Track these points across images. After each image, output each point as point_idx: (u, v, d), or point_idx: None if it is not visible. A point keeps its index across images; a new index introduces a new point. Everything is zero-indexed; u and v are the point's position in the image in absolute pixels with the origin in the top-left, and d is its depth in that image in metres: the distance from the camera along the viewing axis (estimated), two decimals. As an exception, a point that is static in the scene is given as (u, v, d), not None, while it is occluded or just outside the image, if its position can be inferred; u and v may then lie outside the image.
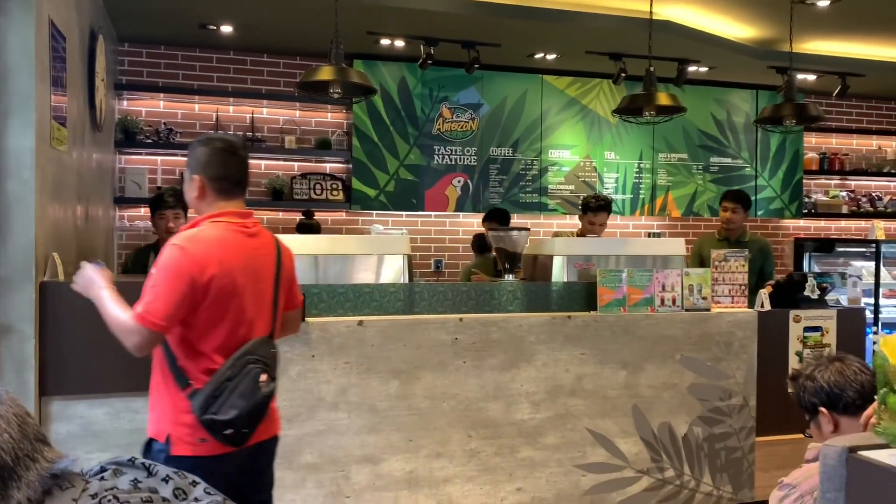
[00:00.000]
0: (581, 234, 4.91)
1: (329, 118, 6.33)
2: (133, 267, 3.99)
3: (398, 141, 6.21)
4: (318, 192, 6.10)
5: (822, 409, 1.92)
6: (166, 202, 3.89)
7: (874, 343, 1.44)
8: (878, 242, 4.59)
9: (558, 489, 3.47)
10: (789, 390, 2.04)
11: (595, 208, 4.71)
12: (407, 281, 3.61)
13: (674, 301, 3.73)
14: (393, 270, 3.64)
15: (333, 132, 6.28)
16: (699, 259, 4.74)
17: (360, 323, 3.25)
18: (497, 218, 5.32)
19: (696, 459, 3.67)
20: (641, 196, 6.95)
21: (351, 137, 6.14)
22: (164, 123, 5.84)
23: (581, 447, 3.52)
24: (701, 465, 3.68)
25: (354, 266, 3.64)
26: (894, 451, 1.38)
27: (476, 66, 5.65)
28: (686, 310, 3.72)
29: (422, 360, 3.31)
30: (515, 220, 6.55)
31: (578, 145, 6.73)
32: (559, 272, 3.84)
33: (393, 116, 6.20)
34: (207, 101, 5.97)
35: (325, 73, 3.52)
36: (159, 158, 5.94)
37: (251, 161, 6.65)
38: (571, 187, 6.72)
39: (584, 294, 3.73)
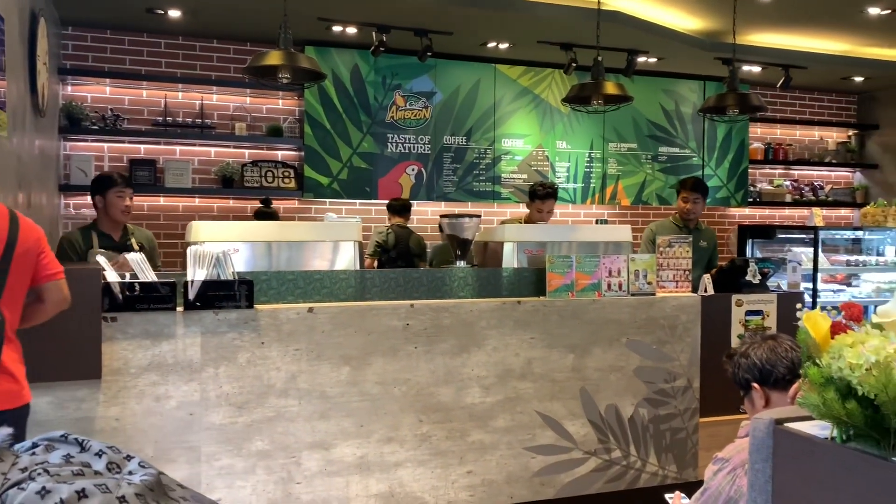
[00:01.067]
0: (529, 221, 4.97)
1: (280, 105, 6.27)
2: (70, 251, 3.88)
3: (351, 128, 6.18)
4: (270, 179, 6.04)
5: (755, 384, 2.00)
6: (125, 179, 3.91)
7: (799, 319, 1.50)
8: (816, 229, 4.74)
9: (508, 471, 3.53)
10: (725, 368, 2.12)
11: (542, 196, 4.80)
12: (358, 268, 3.61)
13: (620, 286, 3.81)
14: (344, 257, 3.64)
15: (285, 119, 6.23)
16: (654, 244, 4.83)
17: (311, 310, 3.24)
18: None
19: (641, 440, 3.77)
20: (592, 185, 7.05)
21: (303, 124, 6.09)
22: (111, 110, 5.72)
23: (530, 430, 3.58)
24: (647, 446, 3.78)
25: (305, 253, 3.63)
26: (818, 421, 1.45)
27: (429, 54, 5.66)
28: (632, 294, 3.81)
29: (373, 346, 3.33)
30: (469, 208, 6.61)
31: (531, 134, 6.79)
32: (510, 258, 3.89)
33: (346, 104, 6.17)
34: (155, 87, 5.86)
35: (273, 57, 3.49)
36: (106, 145, 5.81)
37: (201, 148, 6.57)
38: (524, 176, 6.79)
39: (533, 280, 3.79)
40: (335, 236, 3.62)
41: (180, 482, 0.91)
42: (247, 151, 6.15)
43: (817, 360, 1.34)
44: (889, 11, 5.57)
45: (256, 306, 3.17)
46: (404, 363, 3.37)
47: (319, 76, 3.73)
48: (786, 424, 1.50)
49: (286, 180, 6.10)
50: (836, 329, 1.35)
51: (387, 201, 5.98)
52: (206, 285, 3.04)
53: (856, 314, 1.38)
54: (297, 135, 6.13)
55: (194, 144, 5.98)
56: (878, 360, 1.23)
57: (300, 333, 3.22)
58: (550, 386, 3.63)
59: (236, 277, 3.11)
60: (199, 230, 3.45)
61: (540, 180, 6.61)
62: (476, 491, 3.48)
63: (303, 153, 6.10)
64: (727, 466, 1.88)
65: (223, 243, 3.30)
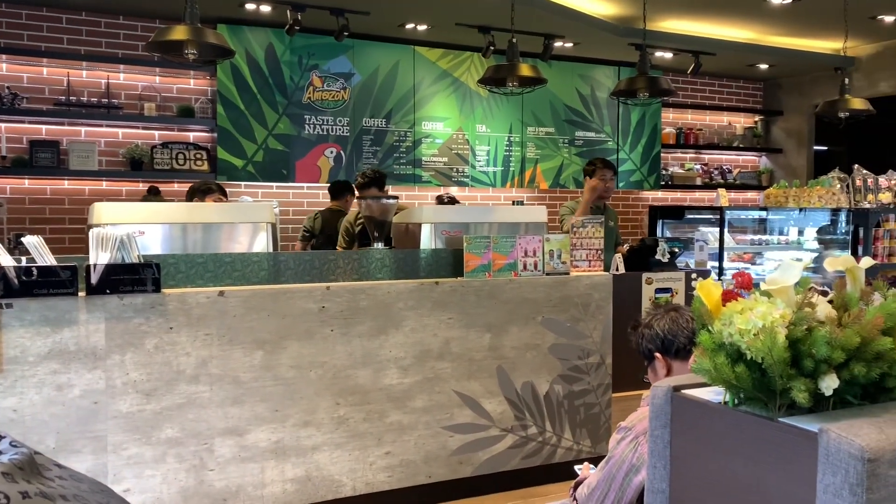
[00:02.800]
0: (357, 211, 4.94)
1: (192, 85, 6.07)
2: None
3: (266, 109, 6.04)
4: (181, 161, 5.85)
5: (657, 354, 2.07)
6: None
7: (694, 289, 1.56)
8: (722, 209, 4.93)
9: (426, 451, 3.55)
10: (630, 339, 2.18)
11: (361, 186, 4.82)
12: (272, 250, 3.54)
13: (535, 266, 3.86)
14: (257, 240, 3.56)
15: (197, 99, 6.03)
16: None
17: (222, 293, 3.16)
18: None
19: (557, 416, 3.85)
20: (512, 168, 7.13)
21: (215, 105, 5.92)
22: (8, 88, 5.41)
23: (448, 409, 3.60)
24: (562, 422, 3.86)
25: (216, 235, 3.53)
26: (714, 388, 1.50)
27: (346, 33, 5.58)
28: (547, 274, 3.87)
29: (287, 330, 3.27)
30: (390, 191, 6.57)
31: (451, 118, 6.80)
32: (427, 239, 3.88)
33: (260, 84, 6.02)
34: (57, 64, 5.58)
35: (179, 32, 3.36)
36: (3, 125, 5.50)
37: (108, 129, 6.34)
38: (445, 159, 6.80)
39: (451, 260, 3.80)
40: (248, 218, 3.53)
41: (64, 465, 0.86)
42: (157, 133, 5.94)
43: (709, 327, 1.38)
44: (790, 1, 5.81)
45: (164, 290, 3.07)
46: (320, 346, 3.33)
47: (228, 53, 3.62)
48: (683, 391, 1.55)
49: (198, 163, 5.92)
50: (727, 297, 1.40)
51: (305, 184, 5.90)
52: (110, 269, 2.92)
53: (746, 282, 1.43)
54: (210, 116, 5.95)
55: (100, 125, 5.73)
56: (765, 325, 1.28)
57: (211, 318, 3.13)
58: (468, 365, 3.65)
59: (141, 261, 3.00)
60: (102, 212, 3.30)
61: (462, 165, 6.65)
62: (394, 471, 3.48)
63: (215, 135, 5.93)
64: (630, 435, 1.94)
65: (128, 225, 3.17)
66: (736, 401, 1.41)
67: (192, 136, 6.05)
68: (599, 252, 4.07)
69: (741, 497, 1.38)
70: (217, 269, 3.31)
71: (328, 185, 5.82)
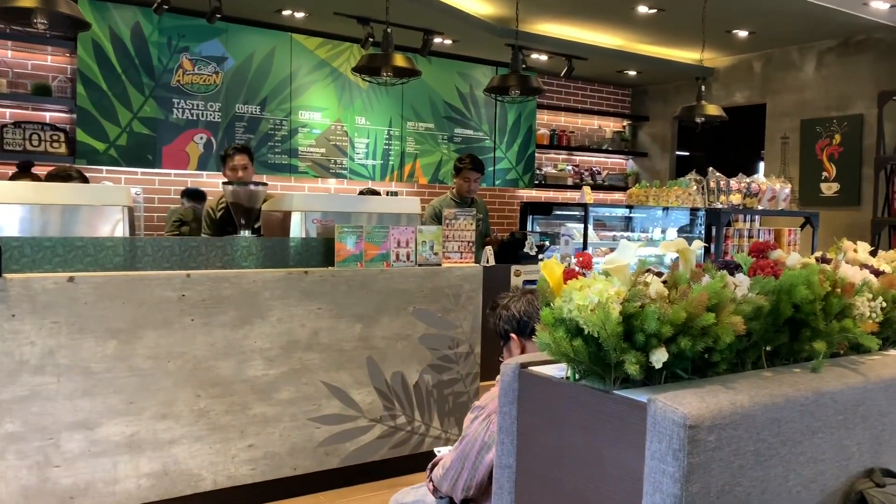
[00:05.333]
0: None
1: (49, 61, 5.68)
2: None
3: (131, 91, 5.74)
4: (36, 143, 5.47)
5: (513, 335, 2.12)
6: None
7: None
8: (586, 206, 5.14)
9: (292, 443, 3.48)
10: (489, 320, 2.22)
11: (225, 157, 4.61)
12: (128, 235, 3.36)
13: (408, 256, 3.88)
14: (113, 224, 3.37)
15: (55, 77, 5.65)
16: (438, 218, 4.98)
17: (71, 279, 2.97)
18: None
19: (426, 405, 3.88)
20: (391, 162, 7.13)
21: (75, 84, 5.56)
22: None
23: (316, 400, 3.55)
24: (430, 411, 3.89)
25: (68, 218, 3.31)
26: (559, 364, 1.56)
27: (217, 16, 5.39)
28: (419, 265, 3.89)
29: (144, 319, 3.12)
30: (265, 181, 6.41)
31: (329, 108, 6.71)
32: (297, 228, 3.81)
33: (126, 64, 5.72)
34: None
35: (28, -1, 3.12)
36: None
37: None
38: (323, 150, 6.70)
39: (321, 250, 3.75)
40: (102, 200, 3.34)
41: None
42: (8, 111, 5.52)
43: (551, 304, 1.43)
44: (655, 11, 6.13)
45: (6, 275, 2.85)
46: (180, 336, 3.20)
47: (83, 24, 3.39)
48: (530, 368, 1.60)
49: (55, 144, 5.55)
50: (568, 275, 1.45)
51: (172, 171, 5.65)
52: (-59, 251, 2.68)
53: (587, 262, 1.49)
54: (69, 95, 5.59)
55: (-59, 100, 5.27)
56: (601, 300, 1.34)
57: (59, 305, 2.94)
58: (337, 356, 3.62)
59: (-21, 242, 2.77)
60: (-64, 190, 3.03)
61: (344, 156, 6.59)
62: (258, 464, 3.40)
63: (75, 115, 5.58)
64: (483, 413, 1.98)
65: (-36, 205, 2.93)
66: (577, 375, 1.47)
67: (48, 115, 5.66)
68: (471, 244, 4.13)
69: (580, 467, 1.43)
70: (67, 254, 3.11)
71: (197, 171, 5.62)
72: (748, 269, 1.56)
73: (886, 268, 1.88)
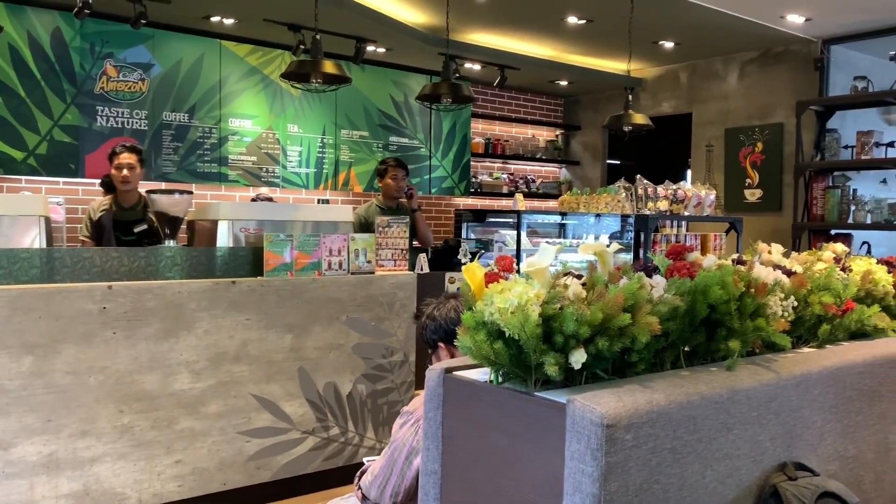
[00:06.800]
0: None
1: (-39, 66, 5.43)
2: None
3: (52, 98, 5.54)
4: (-53, 151, 5.21)
5: (441, 343, 2.11)
6: None
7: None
8: (519, 213, 5.20)
9: (221, 457, 3.39)
10: (416, 328, 2.21)
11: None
12: (45, 245, 3.23)
13: (340, 265, 3.84)
14: (28, 235, 3.24)
15: (-33, 83, 5.40)
16: (365, 226, 4.96)
17: (-17, 292, 2.83)
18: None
19: (360, 415, 3.84)
20: (325, 171, 7.06)
21: (-9, 91, 5.33)
22: None
23: (245, 413, 3.47)
24: (364, 421, 3.85)
25: (-21, 230, 3.17)
26: (483, 369, 1.56)
27: (143, 21, 5.24)
28: (352, 273, 3.85)
29: (62, 333, 3.00)
30: (194, 190, 6.26)
31: (260, 116, 6.61)
32: (225, 237, 3.73)
33: (45, 70, 5.51)
34: None
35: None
36: None
37: None
38: (254, 158, 6.59)
39: (250, 259, 3.67)
40: (16, 210, 3.20)
41: None
42: (-84, 118, 5.25)
43: (473, 307, 1.43)
44: (584, 22, 6.25)
45: None
46: (101, 350, 3.08)
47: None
48: (455, 373, 1.60)
49: (-31, 153, 5.29)
50: (490, 279, 1.45)
51: (96, 180, 5.44)
52: None
53: (507, 265, 1.50)
54: (-16, 102, 5.35)
55: None
56: (520, 303, 1.34)
57: (-31, 320, 2.80)
58: (267, 367, 3.55)
59: None
60: None
61: (275, 164, 6.50)
62: (185, 480, 3.30)
63: (-9, 123, 5.35)
64: (411, 419, 1.96)
65: None
66: (500, 378, 1.47)
67: (-39, 123, 5.41)
68: (404, 251, 4.12)
69: (503, 470, 1.43)
70: (-23, 267, 2.97)
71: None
72: (665, 271, 1.60)
73: (798, 268, 1.95)
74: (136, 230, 4.34)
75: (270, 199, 6.14)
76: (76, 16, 5.09)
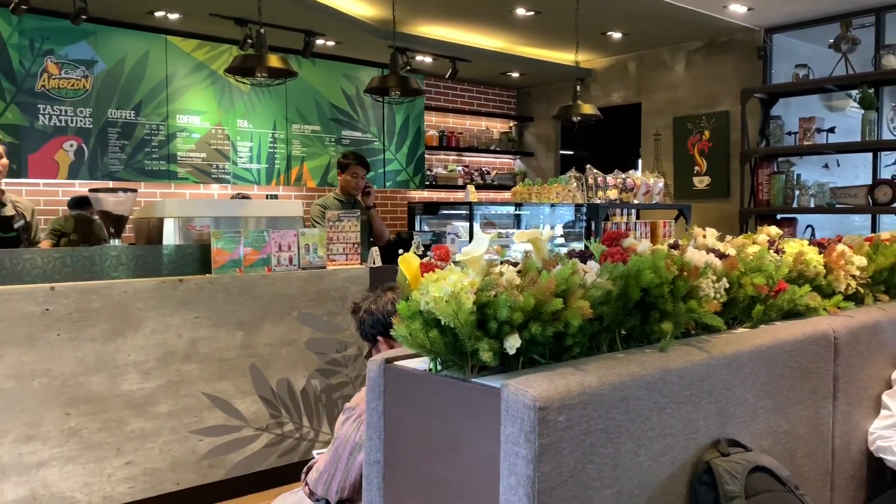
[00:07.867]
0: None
1: None
2: None
3: (-10, 97, 5.39)
4: None
5: (379, 337, 2.10)
6: None
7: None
8: (471, 205, 5.23)
9: (173, 457, 3.36)
10: (354, 324, 2.20)
11: None
12: (-17, 247, 3.15)
13: (290, 260, 3.82)
14: (-35, 236, 3.15)
15: None
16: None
17: (-83, 297, 2.75)
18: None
19: (314, 411, 3.83)
20: (277, 166, 6.99)
21: (-75, 89, 5.17)
22: None
23: (197, 412, 3.44)
24: (319, 416, 3.84)
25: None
26: (423, 358, 1.57)
27: (83, 17, 5.12)
28: (302, 268, 3.84)
29: (3, 336, 2.93)
30: (142, 188, 6.16)
31: (209, 111, 6.52)
32: (171, 235, 3.68)
33: (-18, 68, 5.35)
34: None
35: None
36: None
37: None
38: (203, 155, 6.50)
39: (197, 257, 3.63)
40: (-49, 212, 3.11)
41: None
42: None
43: (409, 297, 1.44)
44: (533, 13, 6.29)
45: None
46: (45, 352, 3.02)
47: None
48: (395, 362, 1.61)
49: None
50: (426, 268, 1.47)
51: (40, 180, 5.34)
52: None
53: (444, 254, 1.51)
54: (-82, 101, 5.19)
55: None
56: (454, 291, 1.36)
57: None
58: (218, 365, 3.52)
59: None
60: None
61: (226, 160, 6.41)
62: (137, 482, 3.25)
63: (-75, 123, 5.18)
64: (354, 414, 1.97)
65: None
66: (438, 366, 1.49)
67: None
68: (356, 245, 4.11)
69: (442, 456, 1.45)
70: (-89, 271, 2.88)
71: (68, 180, 5.33)
72: (600, 257, 1.63)
73: (732, 251, 2.01)
74: (15, 226, 4.20)
75: (248, 198, 6.05)
76: (13, 12, 4.97)
